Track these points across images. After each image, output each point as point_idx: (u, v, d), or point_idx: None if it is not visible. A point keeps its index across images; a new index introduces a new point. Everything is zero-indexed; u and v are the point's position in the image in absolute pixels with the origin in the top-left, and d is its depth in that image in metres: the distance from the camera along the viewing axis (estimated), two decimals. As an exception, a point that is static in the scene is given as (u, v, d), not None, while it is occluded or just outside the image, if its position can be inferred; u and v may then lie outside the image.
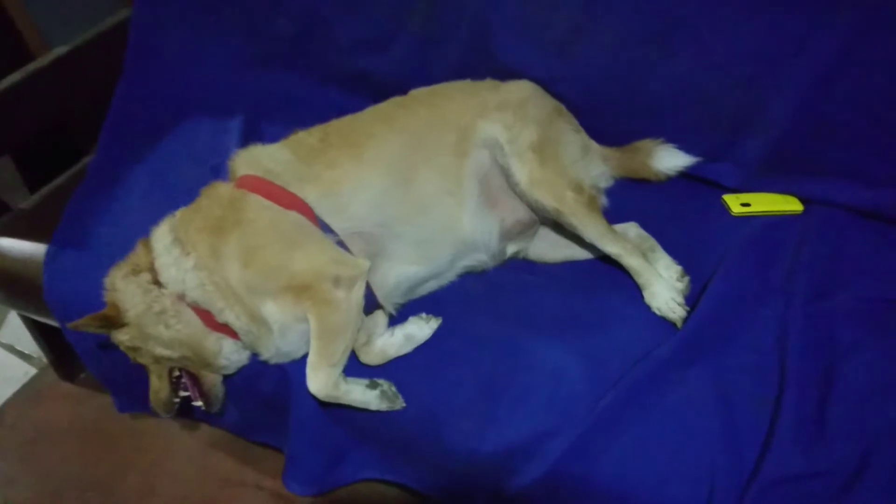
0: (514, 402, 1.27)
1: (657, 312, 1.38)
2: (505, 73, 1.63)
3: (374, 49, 1.81)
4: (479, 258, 1.48)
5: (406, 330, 1.37)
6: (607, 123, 1.64)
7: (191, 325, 1.33)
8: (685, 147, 1.61)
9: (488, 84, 1.59)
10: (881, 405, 1.20)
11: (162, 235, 1.36)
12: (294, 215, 1.33)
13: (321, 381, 1.28)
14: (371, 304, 1.37)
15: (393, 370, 1.35)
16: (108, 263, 1.43)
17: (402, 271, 1.40)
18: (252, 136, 1.79)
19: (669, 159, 1.61)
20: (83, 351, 1.66)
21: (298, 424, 1.41)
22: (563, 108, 1.63)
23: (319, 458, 1.44)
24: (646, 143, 1.63)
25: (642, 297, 1.40)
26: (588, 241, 1.44)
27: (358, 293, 1.30)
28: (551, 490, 1.22)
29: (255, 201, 1.33)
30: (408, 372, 1.34)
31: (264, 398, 1.46)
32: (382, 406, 1.30)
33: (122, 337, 1.35)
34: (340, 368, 1.29)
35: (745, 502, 1.12)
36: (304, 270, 1.29)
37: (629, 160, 1.63)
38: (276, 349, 1.36)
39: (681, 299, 1.37)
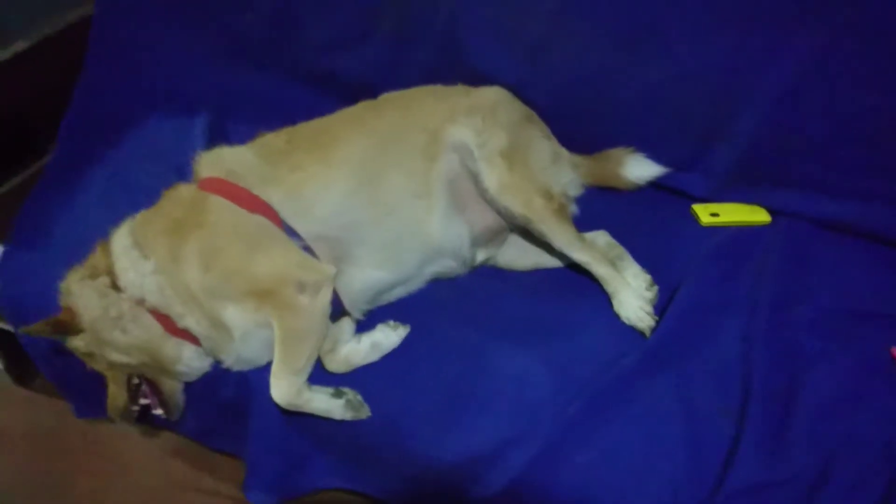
0: (478, 409, 1.26)
1: (626, 321, 1.37)
2: (476, 78, 1.63)
3: (344, 49, 1.80)
4: (448, 264, 1.46)
5: (373, 337, 1.35)
6: (577, 130, 1.64)
7: (149, 331, 1.29)
8: (655, 156, 1.61)
9: (459, 89, 1.58)
10: (844, 415, 1.21)
11: (121, 237, 1.32)
12: (258, 218, 1.30)
13: (284, 388, 1.25)
14: (337, 310, 1.35)
15: (356, 377, 1.33)
16: (64, 265, 1.38)
17: (368, 276, 1.38)
18: (217, 135, 1.76)
19: (640, 168, 1.61)
20: (37, 355, 1.62)
21: (259, 432, 1.38)
22: (533, 114, 1.62)
23: (280, 466, 1.41)
24: (616, 152, 1.63)
25: (611, 305, 1.40)
26: (557, 248, 1.43)
27: (323, 299, 1.27)
28: (515, 499, 1.21)
29: (218, 203, 1.30)
30: (372, 378, 1.32)
31: (224, 404, 1.43)
32: (347, 415, 1.28)
33: (77, 343, 1.31)
34: (305, 376, 1.27)
35: (708, 512, 1.12)
36: (267, 274, 1.26)
37: (600, 168, 1.63)
38: (237, 356, 1.33)
39: (649, 308, 1.37)
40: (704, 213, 1.59)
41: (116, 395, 1.37)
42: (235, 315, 1.28)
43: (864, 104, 1.42)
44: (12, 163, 1.89)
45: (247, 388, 1.37)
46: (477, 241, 1.49)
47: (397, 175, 1.40)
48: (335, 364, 1.34)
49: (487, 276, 1.51)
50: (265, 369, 1.29)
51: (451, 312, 1.41)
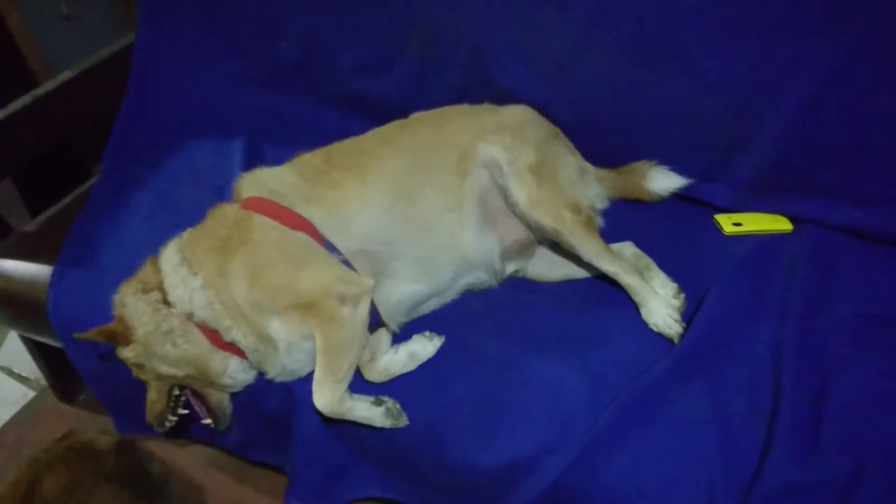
0: (515, 417, 1.29)
1: (654, 329, 1.40)
2: (502, 96, 1.67)
3: (374, 72, 1.85)
4: (480, 276, 1.51)
5: (410, 348, 1.39)
6: (602, 145, 1.68)
7: (197, 345, 1.35)
8: (679, 168, 1.64)
9: (486, 108, 1.63)
10: (875, 418, 1.23)
11: (170, 255, 1.39)
12: (300, 235, 1.35)
13: (327, 396, 1.29)
14: (375, 321, 1.39)
15: (395, 387, 1.37)
16: (112, 284, 1.45)
17: (405, 289, 1.43)
18: (254, 157, 1.82)
19: (663, 180, 1.64)
20: (85, 370, 1.68)
21: (301, 441, 1.43)
22: (559, 131, 1.66)
23: (321, 475, 1.45)
24: (640, 165, 1.66)
25: (639, 314, 1.43)
26: (586, 260, 1.47)
27: (363, 310, 1.32)
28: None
29: (261, 221, 1.36)
30: (410, 388, 1.36)
31: (267, 416, 1.47)
32: (387, 423, 1.32)
33: (127, 353, 1.37)
34: (346, 385, 1.31)
35: (743, 515, 1.14)
36: (310, 289, 1.31)
37: (624, 181, 1.66)
38: (282, 367, 1.38)
39: (677, 316, 1.40)
40: (727, 222, 1.62)
41: (156, 400, 1.42)
42: (280, 328, 1.34)
43: (886, 112, 1.43)
44: (55, 187, 1.98)
45: (290, 400, 1.41)
46: (507, 254, 1.53)
47: (431, 191, 1.45)
48: (374, 374, 1.38)
49: (518, 289, 1.55)
50: (308, 380, 1.34)
51: (484, 325, 1.45)
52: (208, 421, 1.44)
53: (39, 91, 1.85)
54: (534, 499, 1.24)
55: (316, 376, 1.31)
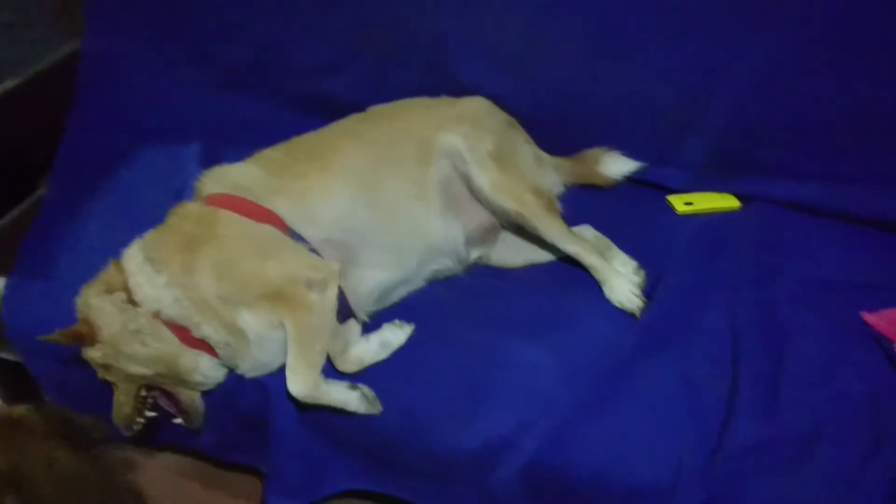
0: (491, 399, 1.32)
1: (617, 305, 1.45)
2: (461, 91, 1.71)
3: (333, 72, 1.87)
4: (446, 263, 1.54)
5: (381, 336, 1.41)
6: (560, 135, 1.73)
7: (167, 342, 1.33)
8: (632, 153, 1.71)
9: (444, 100, 1.67)
10: (828, 376, 1.30)
11: (133, 255, 1.37)
12: (266, 227, 1.36)
13: (301, 382, 1.30)
14: (345, 311, 1.40)
15: (372, 375, 1.38)
16: (70, 293, 1.41)
17: (373, 277, 1.44)
18: (212, 160, 1.78)
19: (616, 165, 1.72)
20: (45, 380, 1.63)
21: (278, 437, 1.42)
22: (514, 121, 1.71)
23: (300, 470, 1.44)
24: (593, 151, 1.73)
25: (602, 292, 1.48)
26: (549, 241, 1.51)
27: (331, 295, 1.34)
28: (531, 481, 1.27)
29: (226, 216, 1.36)
30: (387, 377, 1.37)
31: (242, 416, 1.46)
32: (361, 408, 1.33)
33: (94, 354, 1.34)
34: (319, 369, 1.32)
35: (710, 475, 1.19)
36: (278, 276, 1.32)
37: (579, 168, 1.73)
38: (253, 361, 1.38)
39: (638, 291, 1.45)
40: (679, 202, 1.70)
41: (123, 403, 1.39)
42: (250, 319, 1.34)
43: (822, 94, 1.52)
44: (7, 197, 1.92)
45: (264, 398, 1.41)
46: (471, 240, 1.56)
47: (394, 181, 1.48)
48: (347, 364, 1.39)
49: (485, 276, 1.58)
50: (282, 375, 1.34)
51: (456, 312, 1.48)
52: (179, 420, 1.42)
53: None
54: (512, 476, 1.27)
55: (289, 363, 1.32)
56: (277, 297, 1.31)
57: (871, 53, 1.46)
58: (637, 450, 1.25)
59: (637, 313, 1.43)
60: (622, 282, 1.46)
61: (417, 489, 1.42)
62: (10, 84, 1.85)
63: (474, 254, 1.59)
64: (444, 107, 1.63)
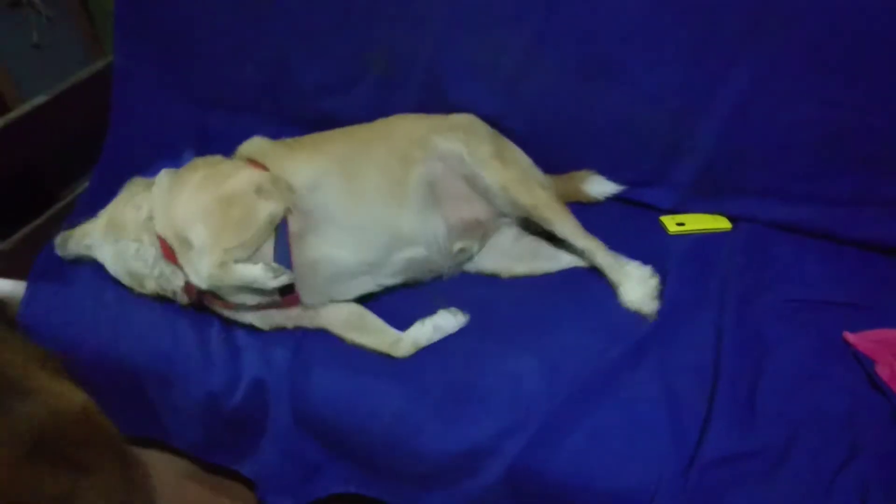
0: (477, 403, 1.37)
1: (631, 306, 1.49)
2: (458, 112, 1.78)
3: (337, 93, 1.95)
4: (420, 251, 1.56)
5: (435, 321, 1.47)
6: (552, 154, 1.79)
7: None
8: (622, 173, 1.78)
9: (438, 115, 1.75)
10: (805, 392, 1.33)
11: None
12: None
13: (206, 261, 1.34)
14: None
15: (364, 378, 1.43)
16: (86, 297, 1.54)
17: (329, 252, 1.48)
18: None
19: (599, 186, 1.78)
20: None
21: (274, 438, 1.48)
22: (503, 137, 1.77)
23: (294, 471, 1.50)
24: (579, 173, 1.80)
25: (616, 293, 1.52)
26: (561, 236, 1.56)
27: (275, 207, 1.41)
28: (514, 485, 1.32)
29: (230, 162, 1.55)
30: (378, 379, 1.43)
31: (228, 416, 1.51)
32: (269, 278, 1.35)
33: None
34: (232, 257, 1.35)
35: (687, 484, 1.23)
36: (234, 185, 1.42)
37: (565, 186, 1.78)
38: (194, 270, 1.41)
39: (656, 293, 1.50)
40: (671, 223, 1.74)
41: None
42: (201, 231, 1.39)
43: (806, 116, 1.56)
44: (31, 208, 2.02)
45: (258, 398, 1.46)
46: (453, 233, 1.60)
47: (374, 171, 1.55)
48: (402, 350, 1.44)
49: (473, 285, 1.63)
50: (282, 375, 1.41)
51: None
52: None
53: (12, 115, 1.91)
54: (496, 480, 1.32)
55: (199, 244, 1.37)
56: (228, 203, 1.39)
57: (856, 76, 1.50)
58: (618, 457, 1.28)
59: (653, 316, 1.47)
60: (639, 283, 1.51)
61: (403, 493, 1.46)
62: (37, 101, 1.95)
63: (458, 245, 1.61)
64: (437, 118, 1.72)
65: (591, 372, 1.38)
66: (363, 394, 1.42)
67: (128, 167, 1.79)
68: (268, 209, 1.40)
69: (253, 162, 1.53)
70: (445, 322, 1.48)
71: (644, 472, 1.26)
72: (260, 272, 1.35)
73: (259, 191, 1.41)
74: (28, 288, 1.68)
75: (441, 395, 1.39)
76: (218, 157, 1.59)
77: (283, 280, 1.36)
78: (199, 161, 1.58)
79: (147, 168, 1.75)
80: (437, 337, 1.46)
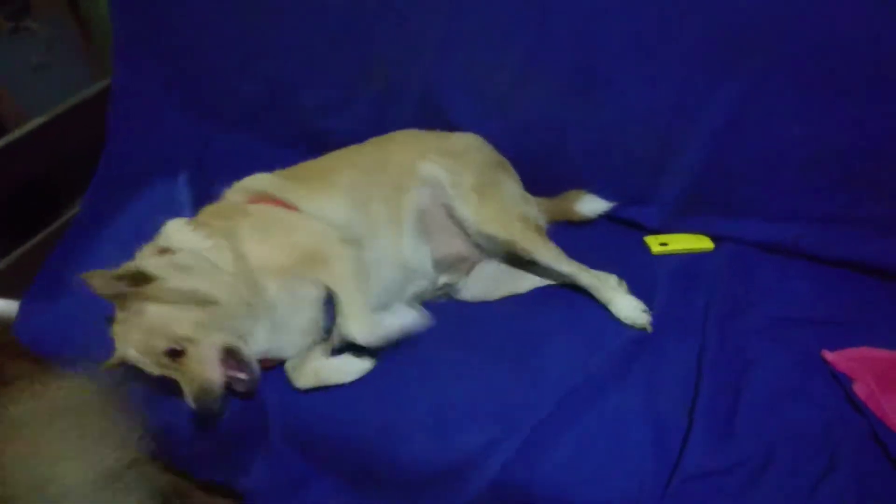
0: (463, 417, 1.39)
1: (626, 321, 1.52)
2: (452, 128, 1.83)
3: (335, 110, 1.99)
4: (422, 284, 1.60)
5: (340, 358, 1.47)
6: (542, 172, 1.83)
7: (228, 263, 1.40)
8: (610, 191, 1.80)
9: (437, 133, 1.78)
10: (784, 408, 1.36)
11: (174, 226, 1.47)
12: (287, 210, 1.49)
13: (362, 324, 1.39)
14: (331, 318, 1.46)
15: (349, 394, 1.45)
16: (82, 312, 1.55)
17: None
18: (198, 189, 1.90)
19: (591, 204, 1.81)
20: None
21: (263, 453, 1.50)
22: (505, 161, 1.80)
23: (281, 486, 1.51)
24: (571, 193, 1.83)
25: (608, 311, 1.55)
26: (543, 264, 1.58)
27: (362, 252, 1.45)
28: (499, 497, 1.33)
29: (253, 206, 1.51)
30: (365, 392, 1.45)
31: (219, 433, 1.51)
32: (417, 321, 1.43)
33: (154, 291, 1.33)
34: (371, 310, 1.41)
35: (667, 497, 1.25)
36: (311, 239, 1.43)
37: (557, 206, 1.82)
38: (268, 329, 1.42)
39: (644, 306, 1.53)
40: (655, 243, 1.77)
41: (198, 372, 1.31)
42: (274, 286, 1.41)
43: (792, 135, 1.58)
44: (31, 224, 2.05)
45: (249, 414, 1.48)
46: (439, 266, 1.64)
47: (377, 203, 1.58)
48: (303, 379, 1.44)
49: (463, 304, 1.67)
50: (271, 386, 1.43)
51: (432, 334, 1.52)
52: (244, 376, 1.38)
53: (11, 136, 1.95)
54: (481, 492, 1.33)
55: (344, 313, 1.40)
56: (313, 259, 1.40)
57: (843, 95, 1.52)
58: (600, 470, 1.30)
59: (648, 327, 1.50)
60: (627, 299, 1.53)
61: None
62: (39, 121, 2.00)
63: (443, 279, 1.65)
64: (432, 139, 1.73)
65: (576, 386, 1.40)
66: (349, 408, 1.44)
67: (124, 183, 1.82)
68: (363, 258, 1.45)
69: (270, 198, 1.52)
70: (346, 364, 1.46)
71: (626, 486, 1.28)
72: (417, 316, 1.43)
73: (342, 241, 1.43)
74: (24, 300, 1.71)
75: (428, 407, 1.41)
76: (226, 203, 1.56)
77: (427, 321, 1.42)
78: (209, 210, 1.54)
79: (142, 184, 1.78)
80: (340, 378, 1.44)
